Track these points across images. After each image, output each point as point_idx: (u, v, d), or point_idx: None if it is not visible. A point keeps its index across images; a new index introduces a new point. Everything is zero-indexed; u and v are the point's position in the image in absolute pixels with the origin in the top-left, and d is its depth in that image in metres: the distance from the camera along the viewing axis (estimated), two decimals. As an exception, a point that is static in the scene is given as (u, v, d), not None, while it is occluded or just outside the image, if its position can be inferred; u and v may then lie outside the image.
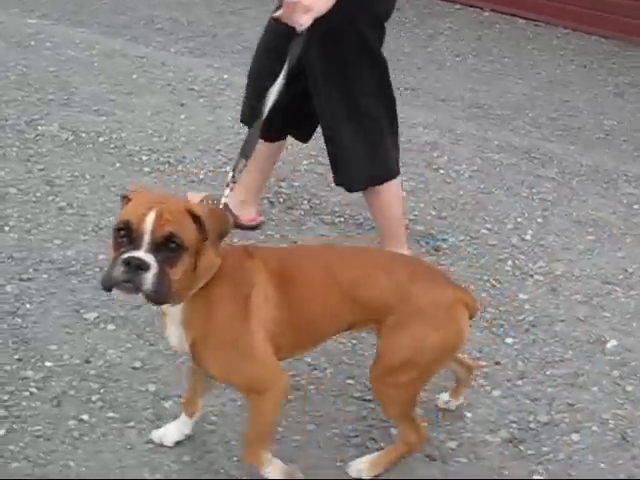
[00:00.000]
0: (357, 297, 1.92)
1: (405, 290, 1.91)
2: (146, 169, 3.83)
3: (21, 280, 2.93)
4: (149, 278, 1.58)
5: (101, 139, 4.08)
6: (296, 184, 3.83)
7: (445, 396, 2.49)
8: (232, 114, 4.49)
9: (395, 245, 3.06)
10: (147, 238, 1.59)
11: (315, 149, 4.22)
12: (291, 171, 3.95)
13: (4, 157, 3.81)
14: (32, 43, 5.39)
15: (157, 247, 1.60)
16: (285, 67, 2.35)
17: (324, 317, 1.94)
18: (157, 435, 2.23)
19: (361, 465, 2.19)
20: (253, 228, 3.40)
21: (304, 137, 3.32)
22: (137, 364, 2.57)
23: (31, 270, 2.99)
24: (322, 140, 4.25)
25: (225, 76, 5.10)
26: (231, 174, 2.07)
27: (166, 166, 3.87)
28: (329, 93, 2.85)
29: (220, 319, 1.80)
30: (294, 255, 2.03)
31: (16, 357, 2.55)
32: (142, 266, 1.57)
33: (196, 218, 1.67)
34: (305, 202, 3.69)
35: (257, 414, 1.97)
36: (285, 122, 3.04)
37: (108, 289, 1.63)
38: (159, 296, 1.62)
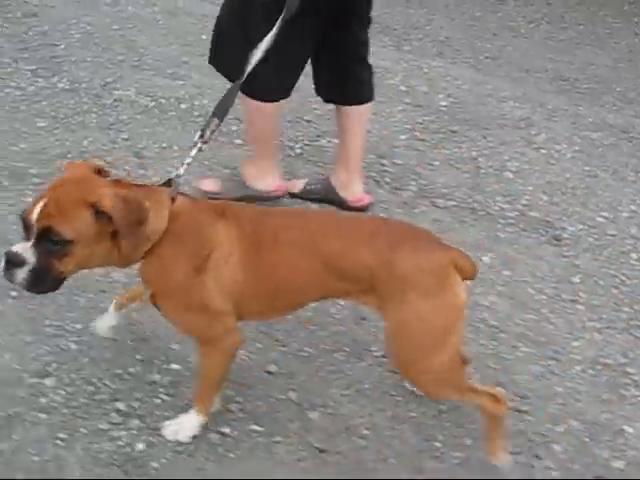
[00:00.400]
0: (337, 268, 1.81)
1: (387, 259, 1.78)
2: (237, 141, 3.55)
3: (127, 266, 2.67)
4: (20, 274, 1.60)
5: (183, 106, 3.80)
6: (399, 162, 3.56)
7: None
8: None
9: (262, 153, 2.98)
10: (34, 230, 1.60)
11: (410, 122, 3.96)
12: (390, 147, 3.68)
13: (84, 124, 3.53)
14: (93, -4, 5.07)
15: (39, 240, 1.60)
16: (278, 23, 2.22)
17: (300, 284, 1.85)
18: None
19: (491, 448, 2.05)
20: (362, 209, 3.13)
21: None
22: (271, 368, 2.34)
23: (135, 254, 2.73)
24: (416, 113, 4.04)
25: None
26: (199, 133, 1.96)
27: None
28: None
29: (172, 276, 1.78)
30: (275, 218, 1.90)
31: (138, 357, 2.31)
32: (15, 262, 1.59)
33: (98, 210, 1.62)
34: (412, 182, 3.42)
35: (204, 367, 1.96)
36: None
37: None
38: (35, 288, 1.65)
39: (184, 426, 2.03)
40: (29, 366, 2.24)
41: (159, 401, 2.18)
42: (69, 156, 3.24)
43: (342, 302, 2.64)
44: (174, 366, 2.30)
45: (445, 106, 4.21)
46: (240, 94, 2.69)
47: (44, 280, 1.63)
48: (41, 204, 1.59)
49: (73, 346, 2.32)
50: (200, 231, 1.78)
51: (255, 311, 1.91)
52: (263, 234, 1.82)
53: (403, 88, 4.35)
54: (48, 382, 2.19)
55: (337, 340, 2.49)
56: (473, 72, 4.77)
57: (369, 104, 3.03)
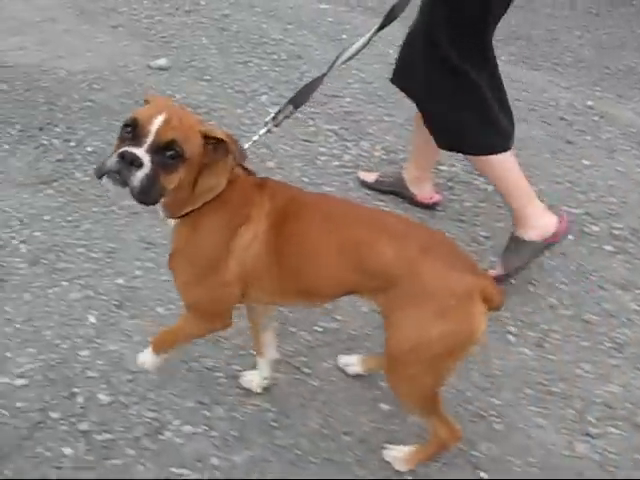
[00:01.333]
0: (358, 259, 1.72)
1: (413, 265, 1.67)
2: (608, 248, 2.99)
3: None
4: (138, 175, 1.56)
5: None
6: None
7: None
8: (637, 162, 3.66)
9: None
10: (150, 138, 1.58)
11: None
12: None
13: (431, 212, 3.01)
14: (344, 36, 4.56)
15: (157, 150, 1.58)
16: (376, 26, 2.14)
17: (321, 269, 1.76)
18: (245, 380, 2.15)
19: (397, 454, 1.97)
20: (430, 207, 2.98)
21: None
22: None
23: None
24: None
25: (589, 102, 4.20)
26: (272, 114, 1.96)
27: (631, 245, 3.02)
28: None
29: (202, 240, 1.76)
30: (309, 199, 1.85)
31: None
32: (135, 162, 1.56)
33: (206, 137, 1.65)
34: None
35: (180, 327, 1.94)
36: None
37: (99, 176, 1.60)
38: (144, 196, 1.59)
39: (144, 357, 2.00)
40: None
41: None
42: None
43: None
44: None
45: None
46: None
47: (150, 190, 1.58)
48: (162, 118, 1.58)
49: None
50: (242, 202, 1.76)
51: (267, 290, 1.83)
52: (291, 211, 1.77)
53: None
54: None
55: None
56: None
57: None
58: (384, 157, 3.34)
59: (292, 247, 1.76)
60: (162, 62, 3.93)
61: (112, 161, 1.56)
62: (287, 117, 1.96)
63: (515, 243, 2.61)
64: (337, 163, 3.25)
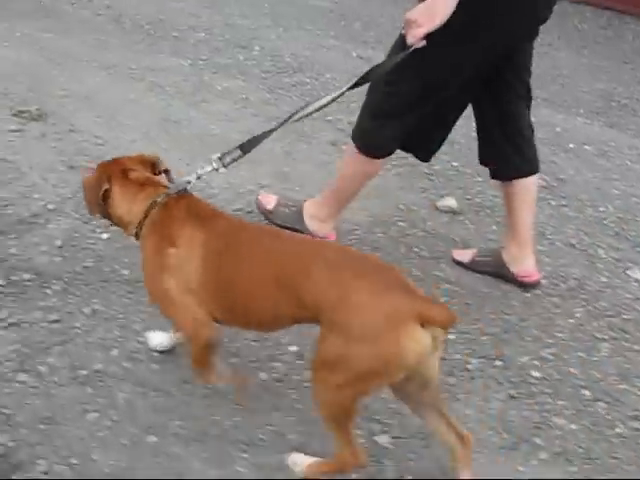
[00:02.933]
0: (292, 288, 1.82)
1: (344, 288, 1.76)
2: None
3: None
4: None
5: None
6: None
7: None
8: None
9: (334, 203, 3.00)
10: None
11: None
12: None
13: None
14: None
15: None
16: (348, 85, 2.22)
17: (256, 297, 1.89)
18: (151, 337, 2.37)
19: (300, 460, 2.02)
20: (532, 285, 3.04)
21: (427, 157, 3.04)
22: None
23: None
24: None
25: None
26: (218, 155, 2.08)
27: None
28: None
29: (144, 259, 2.05)
30: (243, 229, 2.01)
31: None
32: None
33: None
34: None
35: (188, 353, 2.09)
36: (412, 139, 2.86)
37: None
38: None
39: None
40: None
41: None
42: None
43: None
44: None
45: None
46: (349, 147, 2.82)
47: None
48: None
49: None
50: (174, 227, 1.97)
51: (218, 315, 1.97)
52: (229, 245, 1.91)
53: None
54: None
55: None
56: None
57: (533, 177, 2.90)
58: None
59: (229, 279, 1.90)
60: (451, 203, 3.51)
61: None
62: (235, 160, 2.06)
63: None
64: (615, 256, 3.24)
